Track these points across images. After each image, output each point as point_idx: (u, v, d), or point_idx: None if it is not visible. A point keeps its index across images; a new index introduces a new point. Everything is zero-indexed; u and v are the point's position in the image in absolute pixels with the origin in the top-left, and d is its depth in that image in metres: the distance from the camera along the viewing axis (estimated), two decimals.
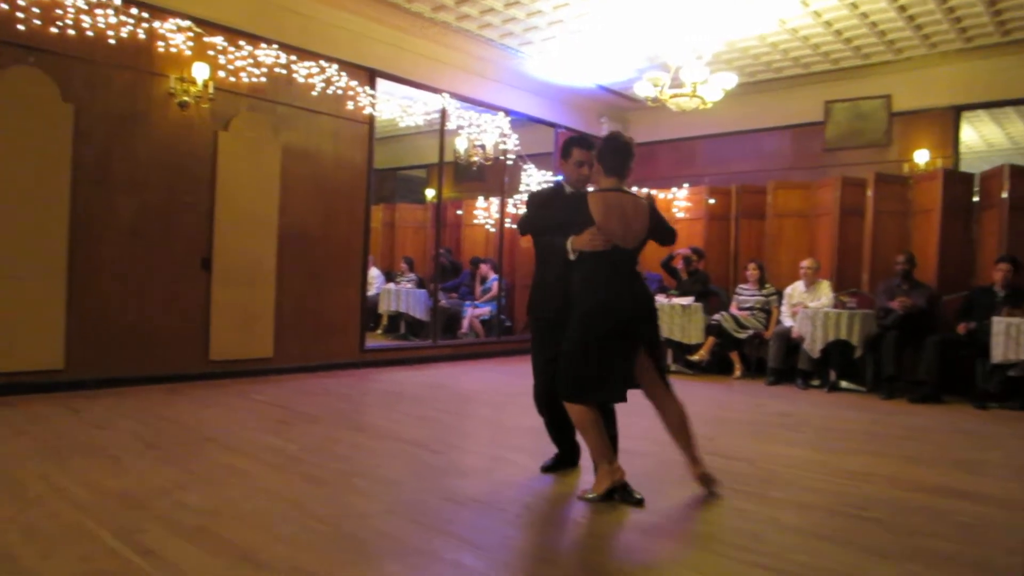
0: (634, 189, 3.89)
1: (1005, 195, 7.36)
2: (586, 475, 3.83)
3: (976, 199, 8.02)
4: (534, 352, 3.97)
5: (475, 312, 10.21)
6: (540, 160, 10.10)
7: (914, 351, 7.09)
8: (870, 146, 9.11)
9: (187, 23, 6.44)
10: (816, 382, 7.63)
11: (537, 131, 10.29)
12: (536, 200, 3.99)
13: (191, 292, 6.66)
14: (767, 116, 9.91)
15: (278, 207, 7.23)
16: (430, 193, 12.18)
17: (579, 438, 3.93)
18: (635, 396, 3.59)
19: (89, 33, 5.94)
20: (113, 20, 6.03)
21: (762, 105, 9.85)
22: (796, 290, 8.09)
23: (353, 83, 7.74)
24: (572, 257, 3.51)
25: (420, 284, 10.60)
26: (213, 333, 6.76)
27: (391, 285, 10.72)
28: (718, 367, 8.45)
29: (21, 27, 5.59)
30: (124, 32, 6.10)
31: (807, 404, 6.67)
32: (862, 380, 7.42)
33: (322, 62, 7.46)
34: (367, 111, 7.92)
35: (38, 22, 5.69)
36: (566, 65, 9.22)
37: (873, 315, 7.46)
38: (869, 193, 8.27)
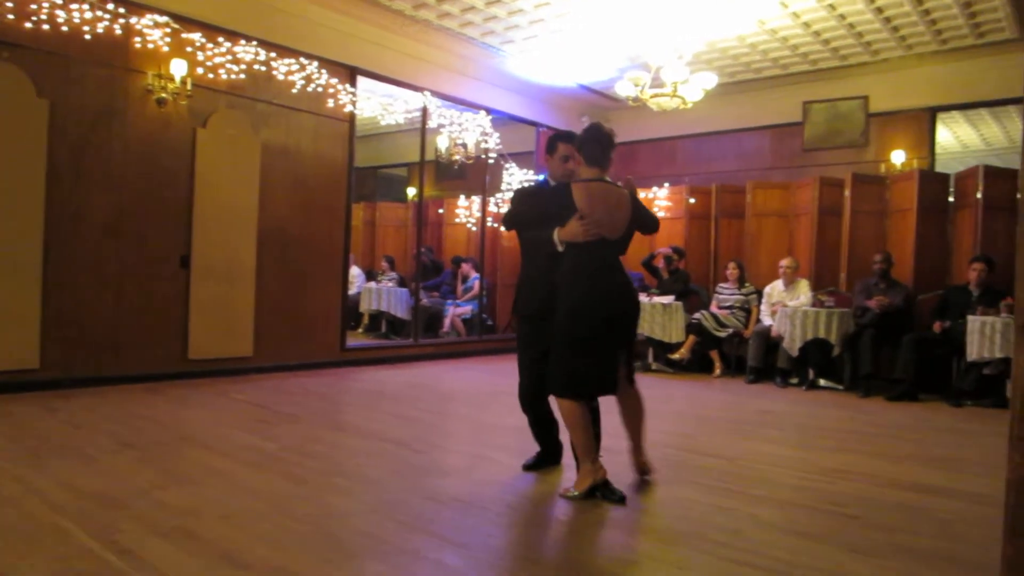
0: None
1: (979, 195, 7.46)
2: (568, 473, 3.83)
3: (951, 199, 8.12)
4: (520, 350, 3.95)
5: (456, 311, 10.20)
6: (522, 159, 10.11)
7: (891, 349, 7.18)
8: (848, 146, 9.20)
9: (164, 19, 6.36)
10: (795, 380, 7.69)
11: (519, 130, 10.30)
12: (521, 195, 3.99)
13: (169, 290, 6.60)
14: (747, 116, 9.98)
15: (258, 205, 7.18)
16: (411, 192, 12.15)
17: (562, 436, 3.94)
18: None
19: (64, 28, 5.86)
20: (89, 15, 5.95)
21: (742, 105, 9.92)
22: (775, 289, 8.16)
23: (333, 81, 7.70)
24: (560, 249, 3.50)
25: (401, 283, 10.56)
26: (192, 332, 6.71)
27: (372, 284, 10.68)
28: (698, 365, 8.50)
29: None
30: (100, 28, 6.03)
31: (786, 402, 6.73)
32: (840, 378, 7.50)
33: (302, 59, 7.41)
34: (348, 109, 7.88)
35: (12, 17, 5.61)
36: (547, 64, 9.23)
37: (851, 314, 7.54)
38: (847, 193, 8.35)
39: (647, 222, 3.77)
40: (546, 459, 4.03)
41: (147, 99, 6.40)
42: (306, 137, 7.61)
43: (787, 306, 7.71)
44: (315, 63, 7.50)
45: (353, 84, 7.92)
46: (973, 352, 6.41)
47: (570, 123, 10.65)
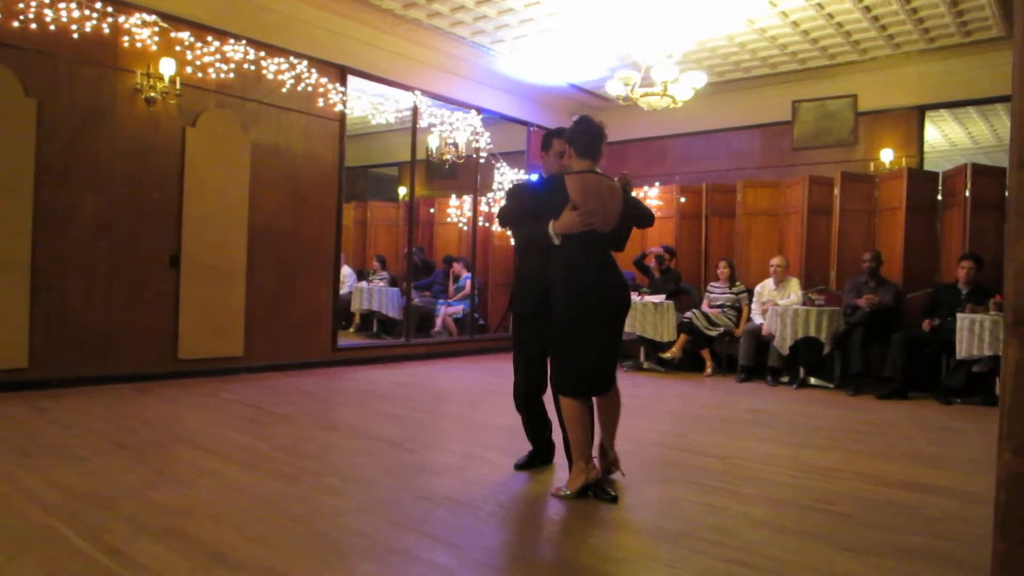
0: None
1: (968, 193, 7.50)
2: (560, 472, 3.84)
3: (940, 197, 8.16)
4: (515, 348, 3.94)
5: (448, 311, 10.19)
6: (513, 158, 10.11)
7: (881, 348, 7.21)
8: (837, 145, 9.24)
9: (153, 18, 6.33)
10: (785, 379, 7.72)
11: (509, 129, 10.30)
12: (515, 190, 3.98)
13: (159, 290, 6.57)
14: (736, 115, 10.01)
15: (248, 204, 7.15)
16: (402, 191, 12.13)
17: (555, 436, 3.94)
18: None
19: (52, 28, 5.82)
20: (77, 14, 5.92)
21: (731, 104, 9.94)
22: (766, 288, 8.19)
23: (323, 80, 7.68)
24: (556, 242, 3.49)
25: (393, 282, 10.56)
26: (182, 331, 6.68)
27: (363, 283, 10.66)
28: (689, 364, 8.52)
29: None
30: (88, 27, 5.99)
31: (777, 400, 6.75)
32: (830, 377, 7.53)
33: (292, 58, 7.39)
34: (338, 108, 7.86)
35: None
36: (538, 64, 9.23)
37: (841, 312, 7.57)
38: (836, 192, 8.39)
39: (642, 215, 3.76)
40: (538, 458, 4.02)
41: (136, 98, 6.37)
42: (296, 136, 7.59)
43: (778, 305, 7.73)
44: (305, 62, 7.48)
45: (343, 83, 7.90)
46: (962, 350, 6.44)
47: (561, 122, 10.54)
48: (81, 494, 3.27)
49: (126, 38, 6.24)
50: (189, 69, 6.62)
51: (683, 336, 8.31)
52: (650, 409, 6.11)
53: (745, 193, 9.25)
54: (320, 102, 7.70)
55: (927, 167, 8.69)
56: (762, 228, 9.20)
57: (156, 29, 6.36)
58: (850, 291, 7.68)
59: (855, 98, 9.05)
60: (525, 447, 4.05)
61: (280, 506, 3.21)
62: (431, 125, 9.06)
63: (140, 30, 6.27)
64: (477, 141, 9.51)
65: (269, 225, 7.35)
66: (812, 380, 7.55)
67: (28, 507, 3.08)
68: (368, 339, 10.06)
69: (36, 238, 5.83)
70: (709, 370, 8.30)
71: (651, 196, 9.94)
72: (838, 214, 8.37)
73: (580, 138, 3.58)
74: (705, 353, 8.38)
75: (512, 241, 10.34)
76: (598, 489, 3.45)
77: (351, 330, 10.56)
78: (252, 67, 7.08)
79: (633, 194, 3.82)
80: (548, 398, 3.86)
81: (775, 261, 8.13)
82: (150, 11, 6.33)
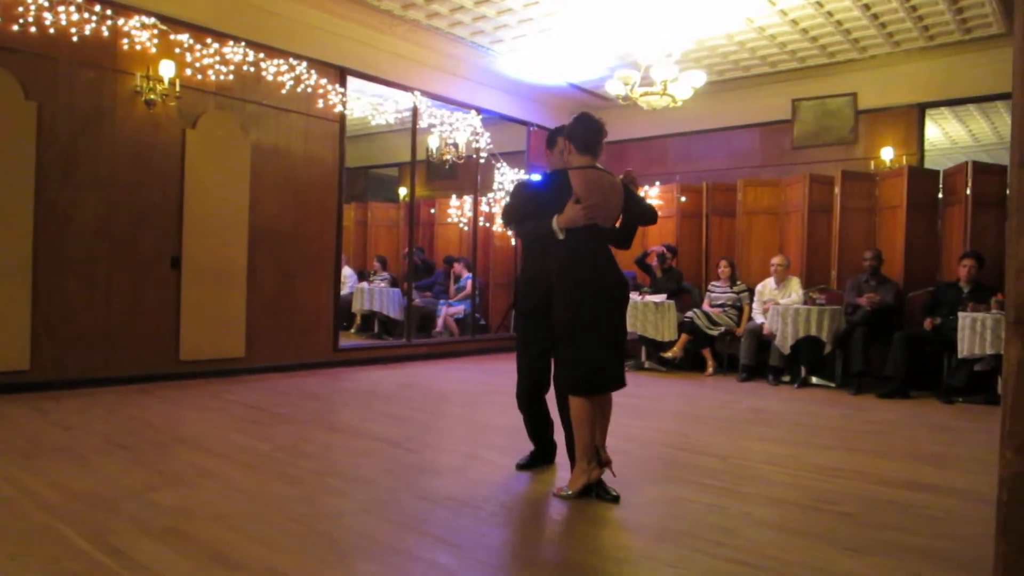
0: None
1: (968, 191, 7.49)
2: (562, 472, 3.84)
3: (941, 195, 8.15)
4: (519, 348, 3.93)
5: (449, 311, 10.19)
6: (513, 158, 10.10)
7: (882, 347, 7.21)
8: (837, 144, 9.23)
9: (152, 20, 6.34)
10: (787, 378, 7.71)
11: (509, 129, 10.29)
12: (519, 188, 3.97)
13: (160, 291, 6.57)
14: (736, 114, 10.00)
15: (248, 205, 7.16)
16: (403, 192, 12.13)
17: (556, 436, 3.94)
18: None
19: (52, 31, 5.83)
20: (76, 17, 5.92)
21: (731, 103, 9.94)
22: (767, 287, 8.18)
23: (323, 81, 7.68)
24: (561, 237, 3.47)
25: (393, 283, 10.56)
26: (183, 333, 6.68)
27: (364, 284, 10.66)
28: (691, 364, 8.52)
29: None
30: (88, 29, 6.00)
31: (778, 400, 6.74)
32: (832, 376, 7.53)
33: (291, 60, 7.39)
34: (338, 109, 7.87)
35: None
36: (537, 63, 9.23)
37: (842, 311, 7.56)
38: (837, 190, 8.38)
39: (645, 212, 3.74)
40: (540, 458, 4.02)
41: (136, 100, 6.37)
42: (296, 138, 7.59)
43: (779, 304, 7.72)
44: (304, 64, 7.48)
45: (343, 84, 7.90)
46: (964, 349, 6.43)
47: (561, 122, 10.46)
48: (83, 495, 3.27)
49: (125, 40, 6.24)
50: (189, 71, 6.62)
51: (684, 336, 8.30)
52: (651, 409, 6.10)
53: (745, 192, 9.24)
54: (320, 103, 7.71)
55: (928, 165, 8.68)
56: (763, 227, 9.19)
57: (155, 31, 6.37)
58: (851, 290, 7.67)
59: (855, 96, 9.04)
60: (527, 447, 4.05)
61: (281, 506, 3.21)
62: (431, 125, 9.06)
63: (139, 32, 6.28)
64: (477, 141, 9.51)
65: (270, 226, 7.35)
66: (813, 379, 7.55)
67: (30, 508, 3.08)
68: (369, 340, 10.06)
69: (37, 240, 5.83)
70: (710, 370, 8.30)
71: (651, 195, 9.93)
72: (839, 213, 8.36)
73: (579, 134, 3.59)
74: (706, 352, 8.37)
75: (513, 241, 10.37)
76: (600, 489, 3.44)
77: (352, 331, 10.55)
78: (251, 69, 7.09)
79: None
80: (549, 398, 3.86)
81: (776, 260, 8.12)
82: (149, 13, 6.33)
